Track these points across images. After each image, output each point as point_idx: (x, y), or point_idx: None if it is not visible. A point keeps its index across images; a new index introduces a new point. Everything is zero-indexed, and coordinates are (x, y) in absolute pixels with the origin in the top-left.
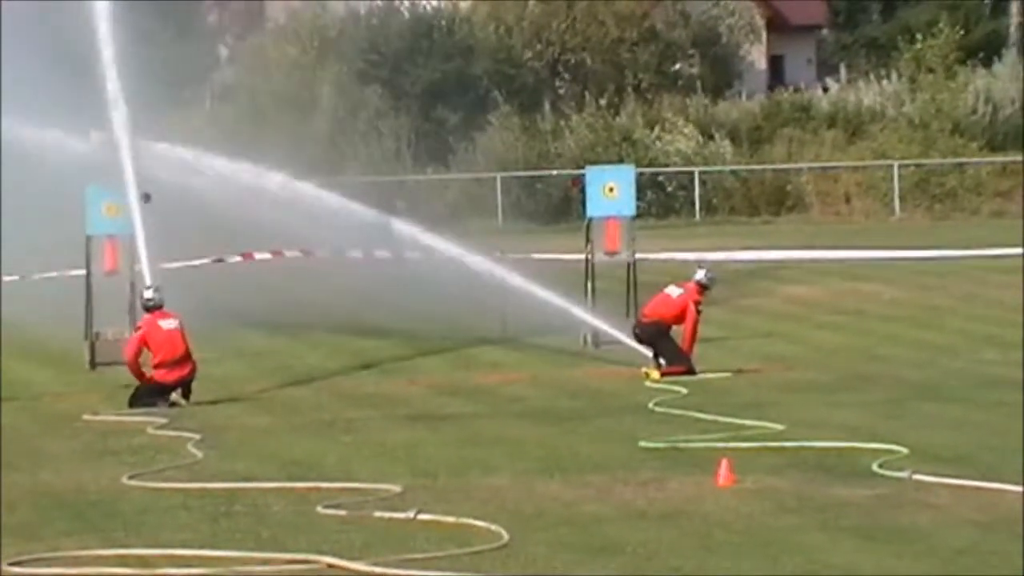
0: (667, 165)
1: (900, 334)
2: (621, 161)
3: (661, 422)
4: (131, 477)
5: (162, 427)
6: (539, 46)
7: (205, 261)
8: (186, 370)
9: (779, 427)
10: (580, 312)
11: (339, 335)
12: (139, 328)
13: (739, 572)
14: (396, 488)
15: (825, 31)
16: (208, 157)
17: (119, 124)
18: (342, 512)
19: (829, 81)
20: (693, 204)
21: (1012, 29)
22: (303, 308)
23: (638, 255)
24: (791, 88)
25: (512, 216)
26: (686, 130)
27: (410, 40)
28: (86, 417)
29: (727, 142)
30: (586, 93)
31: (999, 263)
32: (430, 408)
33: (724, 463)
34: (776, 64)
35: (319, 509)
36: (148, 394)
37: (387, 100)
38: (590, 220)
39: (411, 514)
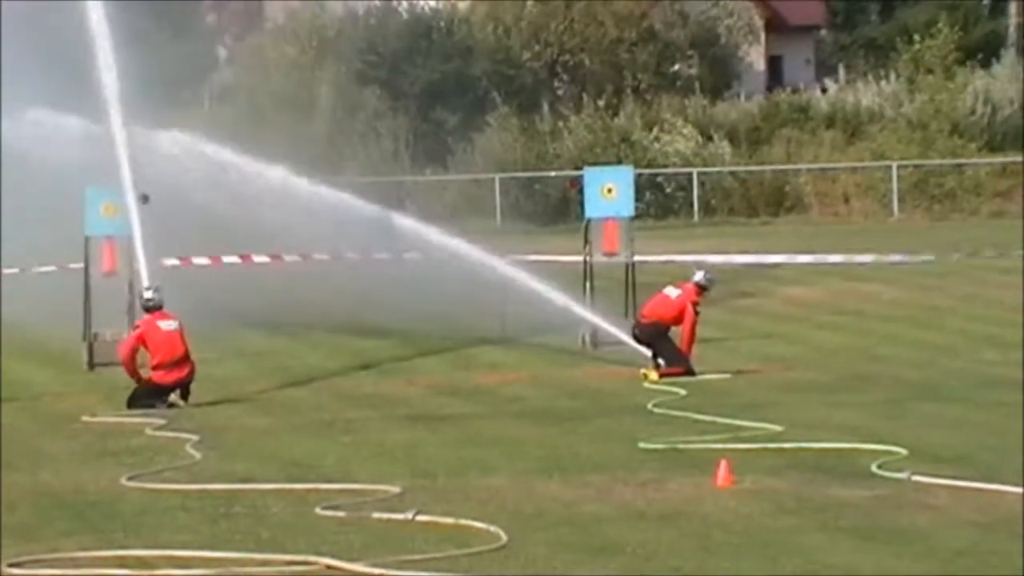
0: (666, 166)
1: (900, 334)
2: (620, 162)
3: (660, 423)
4: (130, 478)
5: (161, 428)
6: (537, 47)
7: (205, 261)
8: (185, 371)
9: (778, 428)
10: (580, 310)
11: (339, 335)
12: (137, 327)
13: (738, 573)
14: (395, 489)
15: (824, 32)
16: (211, 147)
17: (117, 125)
18: (341, 513)
19: (828, 82)
20: (692, 205)
21: (1011, 29)
22: (303, 308)
23: (636, 256)
24: (790, 89)
25: (511, 217)
26: (685, 131)
27: (408, 40)
28: (85, 419)
29: (726, 143)
30: (584, 94)
31: (999, 263)
32: (429, 408)
33: (723, 464)
34: (775, 65)
35: (318, 510)
36: (146, 395)
37: (385, 101)
38: (588, 221)
39: (410, 515)
